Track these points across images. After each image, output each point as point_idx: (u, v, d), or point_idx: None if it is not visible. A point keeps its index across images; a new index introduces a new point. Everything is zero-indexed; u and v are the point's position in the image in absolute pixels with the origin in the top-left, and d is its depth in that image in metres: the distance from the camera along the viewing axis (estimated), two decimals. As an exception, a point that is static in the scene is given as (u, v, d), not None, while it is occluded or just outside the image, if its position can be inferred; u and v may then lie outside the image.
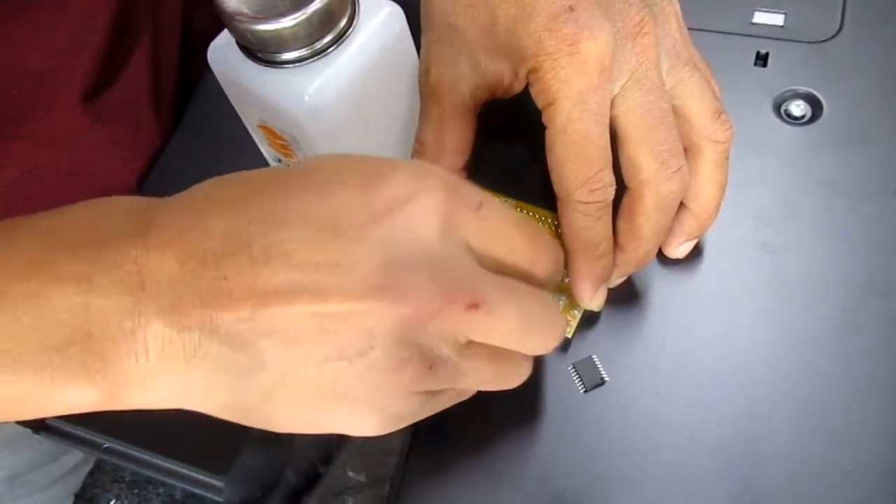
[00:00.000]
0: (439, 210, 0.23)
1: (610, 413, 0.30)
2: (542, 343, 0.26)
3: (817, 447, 0.29)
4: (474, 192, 0.25)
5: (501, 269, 0.25)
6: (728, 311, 0.32)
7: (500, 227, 0.25)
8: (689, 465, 0.29)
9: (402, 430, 0.25)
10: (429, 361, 0.23)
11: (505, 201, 0.35)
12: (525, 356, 0.27)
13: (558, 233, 0.33)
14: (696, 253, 0.33)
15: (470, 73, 0.29)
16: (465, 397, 0.27)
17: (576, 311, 0.32)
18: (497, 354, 0.25)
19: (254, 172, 0.25)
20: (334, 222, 0.22)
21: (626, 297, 0.33)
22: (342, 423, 0.24)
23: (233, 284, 0.21)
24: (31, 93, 0.36)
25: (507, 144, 0.38)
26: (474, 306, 0.23)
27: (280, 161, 0.35)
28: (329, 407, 0.23)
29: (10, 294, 0.21)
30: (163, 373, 0.22)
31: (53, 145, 0.38)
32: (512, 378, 0.27)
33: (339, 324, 0.22)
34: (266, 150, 0.36)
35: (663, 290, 0.33)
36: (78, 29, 0.37)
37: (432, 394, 0.25)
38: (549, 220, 0.34)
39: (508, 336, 0.25)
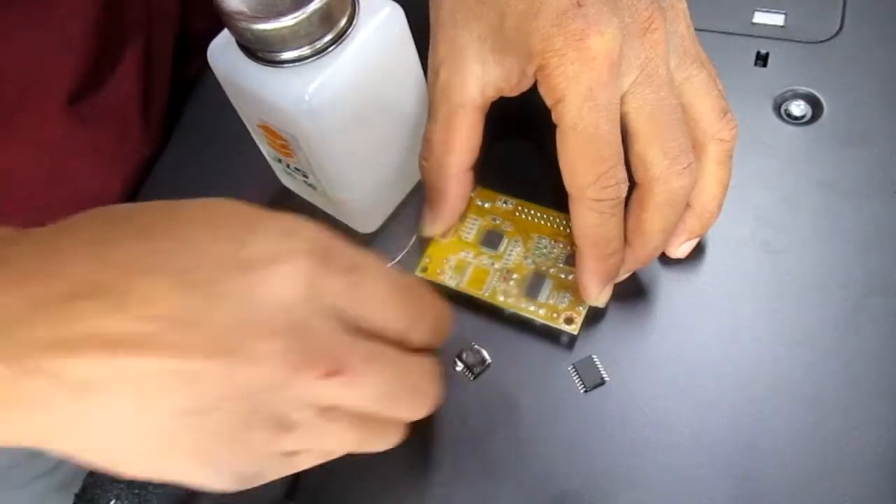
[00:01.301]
0: (305, 274, 0.22)
1: (610, 413, 0.30)
2: (410, 411, 0.25)
3: (817, 447, 0.29)
4: (347, 255, 0.24)
5: (373, 335, 0.24)
6: (728, 311, 0.32)
7: (371, 293, 0.24)
8: (689, 465, 0.29)
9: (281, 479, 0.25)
10: (281, 425, 0.23)
11: (506, 201, 0.35)
12: (395, 421, 0.26)
13: (566, 232, 0.33)
14: (697, 253, 0.33)
15: (479, 72, 0.29)
16: (333, 457, 0.26)
17: (580, 308, 0.32)
18: (362, 419, 0.24)
19: (126, 209, 0.24)
20: (194, 277, 0.22)
21: (627, 297, 0.33)
22: (189, 476, 0.23)
23: (81, 331, 0.21)
24: (11, 94, 0.36)
25: (509, 144, 0.38)
26: (333, 373, 0.22)
27: (280, 161, 0.35)
28: (174, 460, 0.23)
29: None
30: (4, 415, 0.21)
31: (33, 148, 0.37)
32: (378, 443, 0.26)
33: (186, 380, 0.21)
34: (266, 150, 0.35)
35: (663, 290, 0.33)
36: (63, 31, 0.36)
37: (292, 453, 0.24)
38: (552, 219, 0.34)
39: (372, 403, 0.24)
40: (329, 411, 0.23)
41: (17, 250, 0.22)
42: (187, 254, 0.22)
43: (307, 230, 0.23)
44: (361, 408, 0.24)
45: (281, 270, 0.22)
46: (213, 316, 0.21)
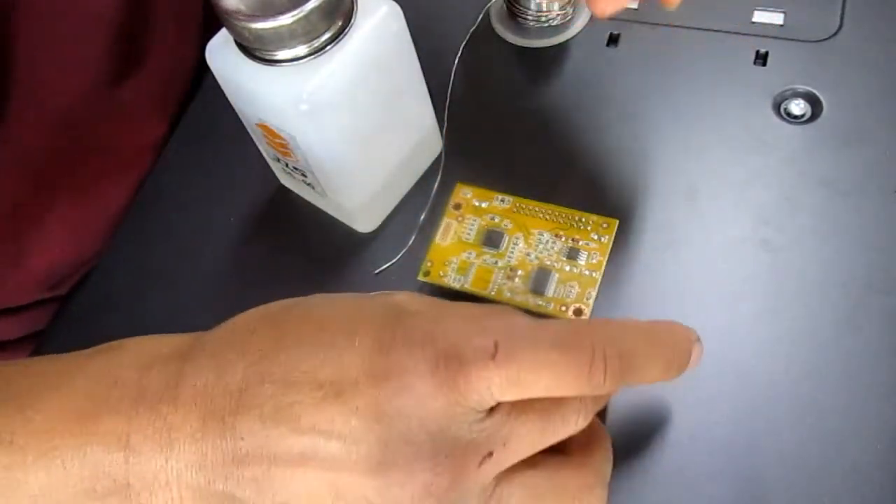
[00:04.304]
0: (444, 385, 0.22)
1: (610, 413, 0.30)
2: (566, 431, 0.24)
3: (817, 447, 0.29)
4: (485, 337, 0.23)
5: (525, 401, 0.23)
6: (728, 311, 0.32)
7: (522, 366, 0.23)
8: (689, 465, 0.29)
9: None
10: None
11: (503, 199, 0.35)
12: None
13: (566, 226, 0.34)
14: (697, 252, 0.33)
15: None
16: None
17: (588, 300, 0.32)
18: (533, 464, 0.24)
19: (279, 315, 0.25)
20: (338, 388, 0.22)
21: (625, 296, 0.33)
22: None
23: (248, 444, 0.22)
24: None
25: (505, 143, 0.38)
26: (488, 456, 0.22)
27: (279, 160, 0.34)
28: None
29: (61, 447, 0.23)
30: None
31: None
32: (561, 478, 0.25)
33: (348, 492, 0.22)
34: (265, 150, 0.35)
35: (663, 288, 0.33)
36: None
37: None
38: (551, 213, 0.34)
39: (531, 449, 0.24)
40: (498, 479, 0.23)
41: (190, 367, 0.24)
42: (330, 366, 0.23)
43: (438, 331, 0.23)
44: (524, 458, 0.24)
45: (419, 384, 0.22)
46: (359, 431, 0.22)
